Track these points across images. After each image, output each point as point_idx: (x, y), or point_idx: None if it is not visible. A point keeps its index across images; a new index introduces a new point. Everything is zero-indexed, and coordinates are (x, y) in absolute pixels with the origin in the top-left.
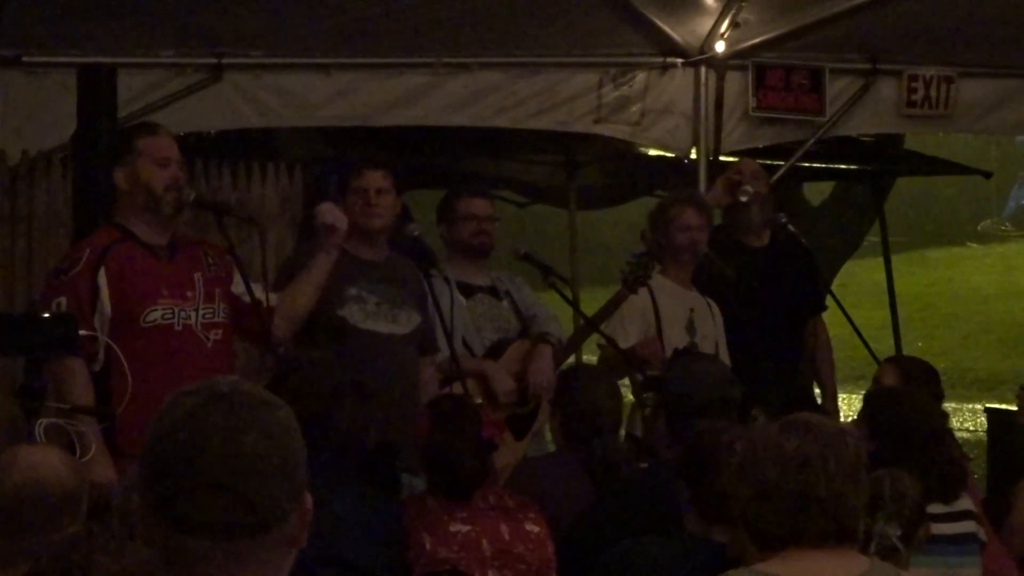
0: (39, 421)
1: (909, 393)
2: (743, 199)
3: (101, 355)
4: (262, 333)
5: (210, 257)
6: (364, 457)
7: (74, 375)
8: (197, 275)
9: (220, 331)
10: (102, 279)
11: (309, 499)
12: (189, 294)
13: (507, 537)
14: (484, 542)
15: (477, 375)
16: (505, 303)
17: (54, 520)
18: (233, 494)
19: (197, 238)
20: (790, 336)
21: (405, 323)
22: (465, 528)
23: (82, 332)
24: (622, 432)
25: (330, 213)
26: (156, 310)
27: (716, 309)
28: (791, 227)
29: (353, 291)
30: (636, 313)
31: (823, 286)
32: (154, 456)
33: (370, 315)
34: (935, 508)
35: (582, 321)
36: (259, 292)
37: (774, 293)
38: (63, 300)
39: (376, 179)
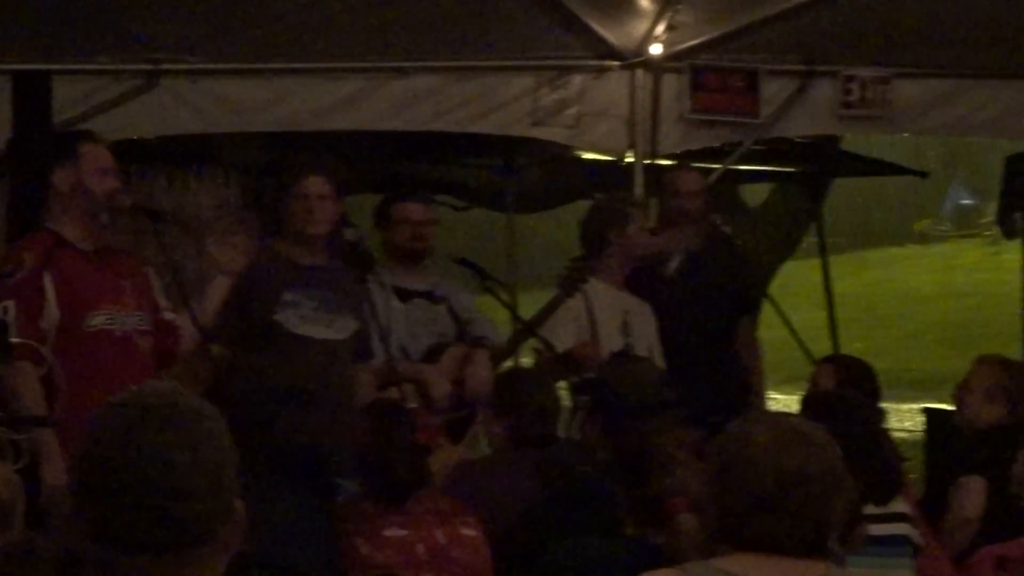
0: None
1: (845, 395)
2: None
3: (48, 359)
4: (168, 353)
5: (133, 266)
6: (300, 462)
7: (25, 379)
8: (126, 282)
9: (150, 338)
10: (48, 284)
11: (242, 506)
12: (124, 300)
13: (443, 541)
14: (419, 546)
15: (414, 380)
16: (442, 308)
17: None
18: (163, 514)
19: (118, 246)
20: (723, 337)
21: (341, 329)
22: (400, 533)
23: (18, 340)
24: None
25: (223, 254)
26: (99, 315)
27: (650, 310)
28: (725, 229)
29: (290, 296)
30: (570, 317)
31: (754, 288)
32: (85, 474)
33: (306, 320)
34: (868, 509)
35: (519, 325)
36: (170, 314)
37: (707, 296)
38: (10, 304)
39: (317, 185)
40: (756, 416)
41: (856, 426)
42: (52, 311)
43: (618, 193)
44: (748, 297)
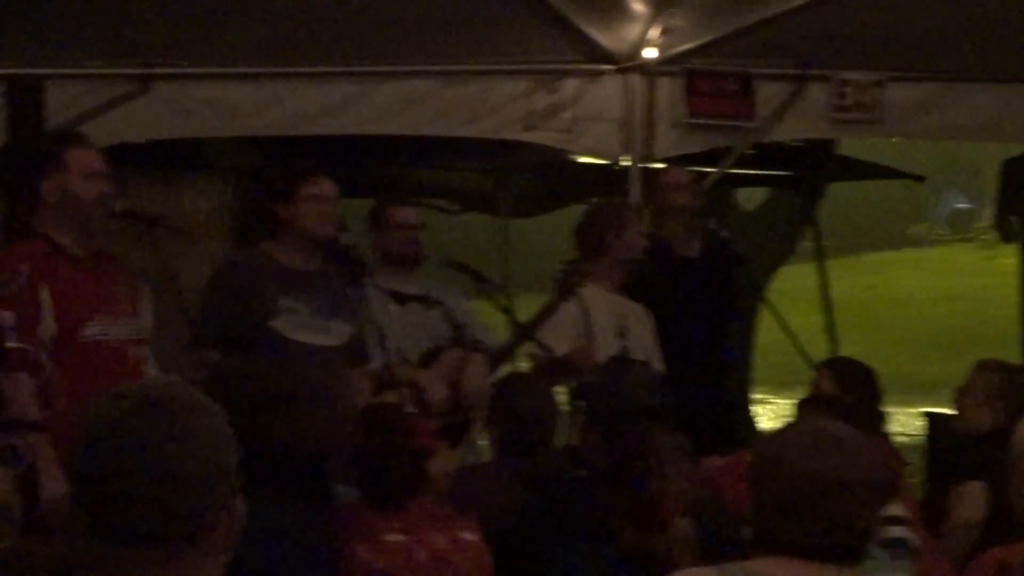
0: None
1: (837, 399)
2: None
3: (46, 367)
4: None
5: (125, 272)
6: (297, 468)
7: (20, 388)
8: (119, 289)
9: (144, 347)
10: (44, 294)
11: (241, 505)
12: (117, 308)
13: (442, 546)
14: (420, 551)
15: (410, 384)
16: (437, 312)
17: None
18: (156, 505)
19: (109, 251)
20: (719, 342)
21: (337, 334)
22: (400, 537)
23: (15, 345)
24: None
25: None
26: (93, 325)
27: (646, 314)
28: (723, 234)
29: (286, 302)
30: (566, 321)
31: (744, 294)
32: (81, 462)
33: (302, 326)
34: None
35: (515, 329)
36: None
37: (703, 301)
38: (9, 315)
39: (331, 188)
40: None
41: None
42: (48, 323)
43: (615, 197)
44: (738, 303)
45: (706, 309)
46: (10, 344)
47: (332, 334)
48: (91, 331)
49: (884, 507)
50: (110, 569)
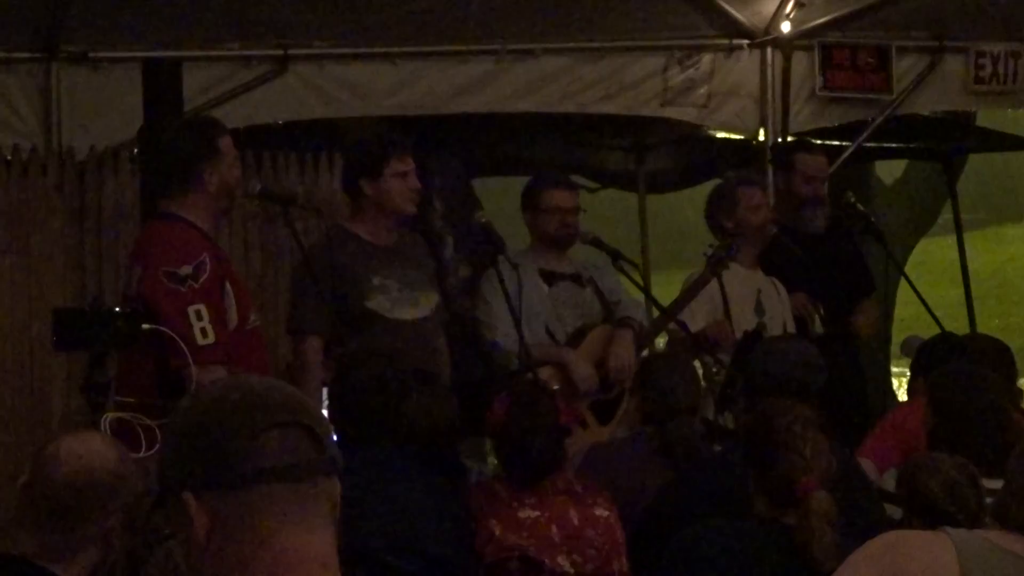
0: (104, 415)
1: (968, 370)
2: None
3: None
4: None
5: None
6: (430, 444)
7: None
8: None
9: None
10: (228, 285)
11: None
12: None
13: (576, 522)
14: (553, 527)
15: (556, 363)
16: (588, 290)
17: (108, 503)
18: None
19: None
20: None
21: (425, 305)
22: (534, 514)
23: (150, 327)
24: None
25: None
26: (254, 311)
27: (782, 288)
28: (859, 206)
29: (376, 281)
30: (703, 296)
31: (876, 268)
32: (209, 424)
33: (396, 303)
34: (992, 483)
35: (652, 305)
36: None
37: (830, 276)
38: (202, 308)
39: (412, 163)
40: None
41: (976, 402)
42: (232, 314)
43: (730, 175)
44: (867, 279)
45: (834, 284)
46: (206, 341)
47: (422, 306)
48: (254, 316)
49: None
50: (258, 519)
